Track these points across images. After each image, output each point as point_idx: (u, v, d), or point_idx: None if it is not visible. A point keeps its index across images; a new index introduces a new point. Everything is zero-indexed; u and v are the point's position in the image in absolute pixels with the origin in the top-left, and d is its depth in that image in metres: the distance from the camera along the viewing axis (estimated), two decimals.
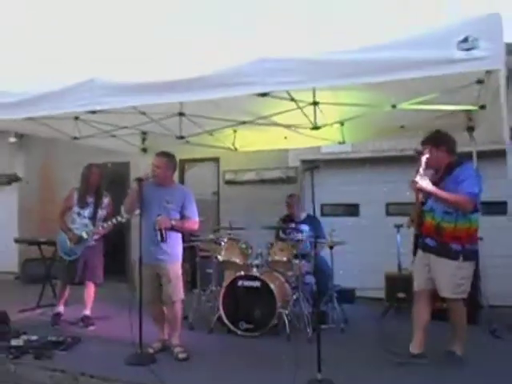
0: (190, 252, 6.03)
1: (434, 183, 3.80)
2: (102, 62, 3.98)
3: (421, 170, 3.69)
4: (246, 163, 7.76)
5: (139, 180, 4.21)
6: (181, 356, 4.16)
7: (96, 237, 5.45)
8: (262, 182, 7.70)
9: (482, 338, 4.66)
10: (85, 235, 5.31)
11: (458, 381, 3.64)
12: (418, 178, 3.67)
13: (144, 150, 6.53)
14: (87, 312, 5.40)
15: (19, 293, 7.20)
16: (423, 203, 3.99)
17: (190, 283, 6.38)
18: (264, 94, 3.51)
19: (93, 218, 5.43)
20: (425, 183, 3.69)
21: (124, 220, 4.96)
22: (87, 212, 5.46)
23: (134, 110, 4.62)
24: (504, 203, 6.39)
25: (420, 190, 3.75)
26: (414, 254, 4.16)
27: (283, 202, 6.29)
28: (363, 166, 7.24)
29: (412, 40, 2.93)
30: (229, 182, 8.14)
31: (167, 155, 4.45)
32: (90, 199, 5.52)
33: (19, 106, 4.08)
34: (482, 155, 5.19)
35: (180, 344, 4.30)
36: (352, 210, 7.48)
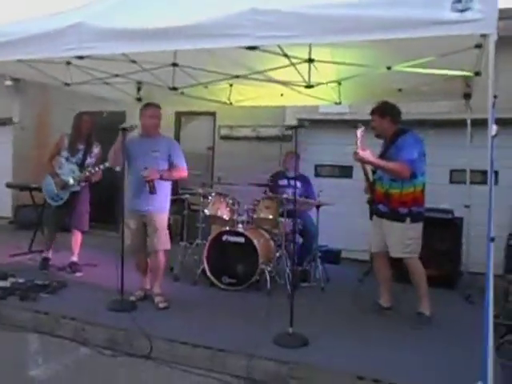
0: (179, 205, 6.06)
1: (383, 152, 4.15)
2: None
3: (358, 142, 3.85)
4: (242, 119, 7.69)
5: (123, 130, 4.18)
6: (161, 305, 4.25)
7: (83, 184, 5.45)
8: (258, 138, 7.65)
9: (456, 302, 4.80)
10: (71, 181, 5.30)
11: (419, 338, 3.80)
12: (359, 150, 3.84)
13: (139, 100, 6.43)
14: (74, 258, 5.49)
15: (12, 237, 7.25)
16: (374, 172, 4.30)
17: (179, 236, 6.43)
18: (253, 48, 3.42)
19: (81, 164, 5.42)
20: (366, 154, 3.89)
21: (107, 165, 4.93)
22: (76, 158, 5.45)
23: (125, 58, 4.53)
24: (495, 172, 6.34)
25: (361, 160, 3.98)
26: (371, 218, 4.44)
27: (278, 160, 6.27)
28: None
29: None
30: (224, 137, 8.09)
31: (158, 106, 4.47)
32: (81, 146, 5.51)
33: (4, 47, 3.98)
34: (480, 123, 5.13)
35: (161, 293, 4.38)
36: (346, 171, 7.45)
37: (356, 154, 3.87)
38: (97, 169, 5.27)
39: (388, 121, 4.22)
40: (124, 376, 3.27)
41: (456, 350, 3.53)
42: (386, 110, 4.25)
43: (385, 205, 4.15)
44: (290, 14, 3.07)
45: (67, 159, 5.44)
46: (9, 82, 9.02)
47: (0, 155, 9.48)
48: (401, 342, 3.69)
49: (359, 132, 3.87)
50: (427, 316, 4.07)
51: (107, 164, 4.89)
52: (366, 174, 4.34)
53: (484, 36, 3.12)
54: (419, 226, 4.10)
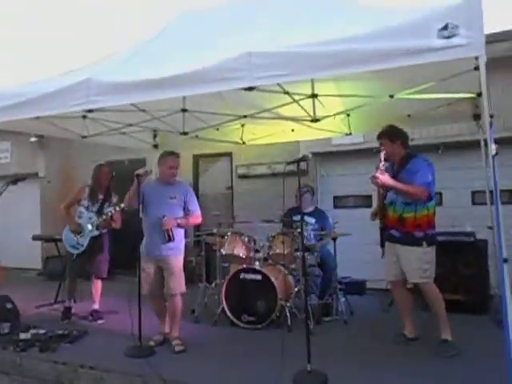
0: (198, 246, 6.10)
1: (392, 176, 4.03)
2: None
3: (381, 165, 3.87)
4: (257, 157, 7.81)
5: (137, 176, 4.33)
6: (177, 348, 4.24)
7: (103, 230, 5.57)
8: (274, 175, 7.69)
9: (488, 328, 4.60)
10: (89, 226, 5.43)
11: (447, 367, 3.68)
12: (378, 174, 3.83)
13: (155, 147, 6.63)
14: (96, 306, 5.55)
15: (40, 289, 7.38)
16: (384, 197, 4.24)
17: (198, 277, 6.43)
18: (251, 88, 3.51)
19: (99, 212, 5.53)
20: (385, 178, 3.86)
21: (123, 206, 5.05)
22: (95, 207, 5.58)
23: (135, 108, 4.69)
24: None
25: (382, 184, 3.93)
26: (382, 245, 4.39)
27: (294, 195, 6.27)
28: (376, 156, 7.14)
29: (392, 29, 2.87)
30: (241, 176, 8.18)
31: (178, 155, 4.60)
32: (100, 196, 5.66)
33: (22, 106, 4.19)
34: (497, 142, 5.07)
35: (178, 337, 4.37)
36: (365, 200, 7.38)
37: (375, 178, 3.84)
38: (113, 210, 5.36)
39: (398, 145, 4.20)
40: None
41: (487, 376, 3.39)
42: (396, 134, 4.23)
43: (398, 230, 4.09)
44: (283, 54, 3.17)
45: (87, 208, 5.58)
46: (33, 139, 9.44)
47: (28, 209, 9.81)
48: (427, 373, 3.56)
49: (382, 155, 3.92)
50: (452, 341, 3.95)
51: (122, 205, 5.00)
52: (381, 199, 4.31)
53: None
54: (434, 250, 4.04)
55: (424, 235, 3.97)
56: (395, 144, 4.19)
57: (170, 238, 4.32)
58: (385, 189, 4.18)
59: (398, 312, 4.37)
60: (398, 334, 4.28)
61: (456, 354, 3.86)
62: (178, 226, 4.39)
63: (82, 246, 5.49)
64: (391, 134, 4.23)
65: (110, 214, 5.40)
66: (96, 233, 5.53)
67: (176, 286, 4.33)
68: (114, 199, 5.70)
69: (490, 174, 5.06)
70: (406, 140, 4.25)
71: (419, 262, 3.95)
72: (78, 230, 5.48)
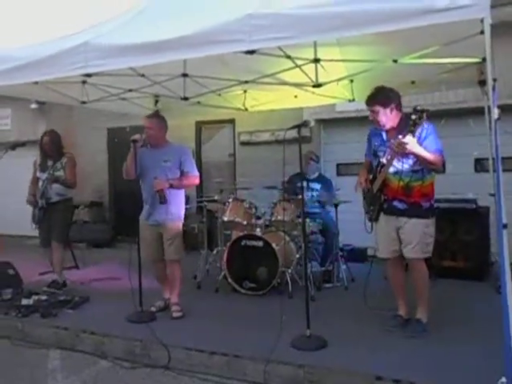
0: (201, 213, 6.10)
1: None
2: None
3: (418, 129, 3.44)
4: (261, 124, 7.73)
5: (133, 141, 4.28)
6: (175, 315, 4.30)
7: (59, 197, 5.45)
8: (277, 142, 7.62)
9: (487, 294, 4.63)
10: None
11: (443, 335, 3.68)
12: (408, 139, 3.41)
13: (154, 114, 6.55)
14: (55, 276, 5.50)
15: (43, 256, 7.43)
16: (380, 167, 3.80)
17: (201, 244, 6.47)
18: (252, 52, 3.43)
19: (47, 179, 5.38)
20: (414, 144, 3.45)
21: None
22: (45, 175, 5.44)
23: (134, 73, 4.62)
24: None
25: (409, 151, 3.47)
26: (370, 219, 3.98)
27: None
28: None
29: None
30: (244, 143, 8.12)
31: (157, 116, 4.57)
32: (50, 162, 5.51)
33: (18, 71, 4.12)
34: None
35: (177, 303, 4.41)
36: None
37: (404, 143, 3.41)
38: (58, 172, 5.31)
39: (393, 108, 3.70)
40: None
41: (483, 344, 3.40)
42: (388, 97, 3.71)
43: (401, 201, 3.68)
44: (283, 16, 3.07)
45: (40, 178, 5.50)
46: (34, 105, 9.36)
47: (29, 176, 9.77)
48: (423, 341, 3.57)
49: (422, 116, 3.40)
50: (424, 323, 3.75)
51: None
52: (388, 166, 3.72)
53: None
54: (434, 222, 3.78)
55: (430, 205, 3.70)
56: (388, 108, 3.69)
57: (162, 200, 4.23)
58: (399, 158, 3.65)
59: (394, 292, 4.02)
60: (394, 315, 3.93)
61: (422, 335, 3.67)
62: (171, 186, 4.30)
63: (35, 216, 5.44)
64: (384, 98, 3.71)
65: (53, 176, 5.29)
66: (56, 198, 5.42)
67: (175, 251, 4.34)
68: (63, 160, 5.50)
69: (493, 140, 5.05)
70: (399, 101, 3.78)
71: (424, 236, 3.66)
72: (32, 202, 5.46)
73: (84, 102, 5.62)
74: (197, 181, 4.56)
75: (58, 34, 4.25)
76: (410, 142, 3.42)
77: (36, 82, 4.31)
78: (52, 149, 5.56)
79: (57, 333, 4.05)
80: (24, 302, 4.58)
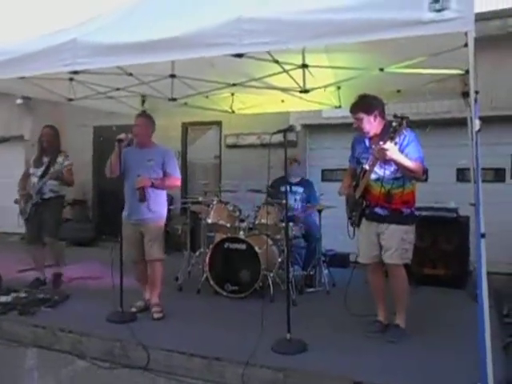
0: (185, 214, 6.09)
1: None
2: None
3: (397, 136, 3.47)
4: (248, 127, 7.75)
5: (119, 141, 4.28)
6: (156, 316, 4.28)
7: (52, 194, 5.38)
8: (263, 145, 7.65)
9: (464, 303, 4.66)
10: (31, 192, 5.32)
11: (422, 341, 3.73)
12: (388, 146, 3.43)
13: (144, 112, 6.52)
14: (38, 274, 5.46)
15: (23, 253, 7.34)
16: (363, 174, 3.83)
17: (183, 245, 6.46)
18: (240, 55, 3.45)
19: (42, 176, 5.31)
20: (394, 151, 3.48)
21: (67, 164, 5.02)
22: (39, 171, 5.36)
23: (122, 71, 4.60)
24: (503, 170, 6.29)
25: (389, 158, 3.49)
26: (352, 224, 4.03)
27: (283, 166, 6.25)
28: None
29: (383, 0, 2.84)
30: (231, 146, 8.13)
31: (147, 115, 4.62)
32: (45, 159, 5.45)
33: (5, 65, 4.08)
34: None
35: (158, 303, 4.39)
36: None
37: (384, 149, 3.42)
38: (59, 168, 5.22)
39: (376, 115, 3.75)
40: None
41: (460, 350, 3.45)
42: (372, 105, 3.76)
43: (383, 207, 3.73)
44: (273, 21, 3.11)
45: (33, 174, 5.40)
46: (19, 101, 9.26)
47: (13, 172, 9.65)
48: (402, 346, 3.62)
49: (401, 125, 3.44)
50: (403, 329, 3.80)
51: (67, 163, 5.10)
52: (369, 172, 3.76)
53: None
54: (414, 229, 3.82)
55: (410, 212, 3.75)
56: (372, 115, 3.74)
57: (142, 198, 4.25)
58: (381, 163, 3.68)
59: (373, 297, 4.05)
60: (374, 321, 3.96)
61: (401, 340, 3.71)
62: (152, 185, 4.32)
63: (26, 212, 5.35)
64: (367, 106, 3.76)
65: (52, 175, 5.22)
66: (49, 195, 5.35)
67: (155, 251, 4.34)
68: (60, 158, 5.41)
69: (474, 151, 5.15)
70: (383, 108, 3.83)
71: (403, 242, 3.70)
72: (20, 199, 5.40)
73: (71, 100, 5.58)
74: (178, 183, 4.62)
75: (46, 29, 4.25)
76: (390, 148, 3.45)
77: (22, 78, 4.27)
78: (51, 143, 5.51)
79: (34, 331, 4.01)
80: (2, 299, 4.54)
